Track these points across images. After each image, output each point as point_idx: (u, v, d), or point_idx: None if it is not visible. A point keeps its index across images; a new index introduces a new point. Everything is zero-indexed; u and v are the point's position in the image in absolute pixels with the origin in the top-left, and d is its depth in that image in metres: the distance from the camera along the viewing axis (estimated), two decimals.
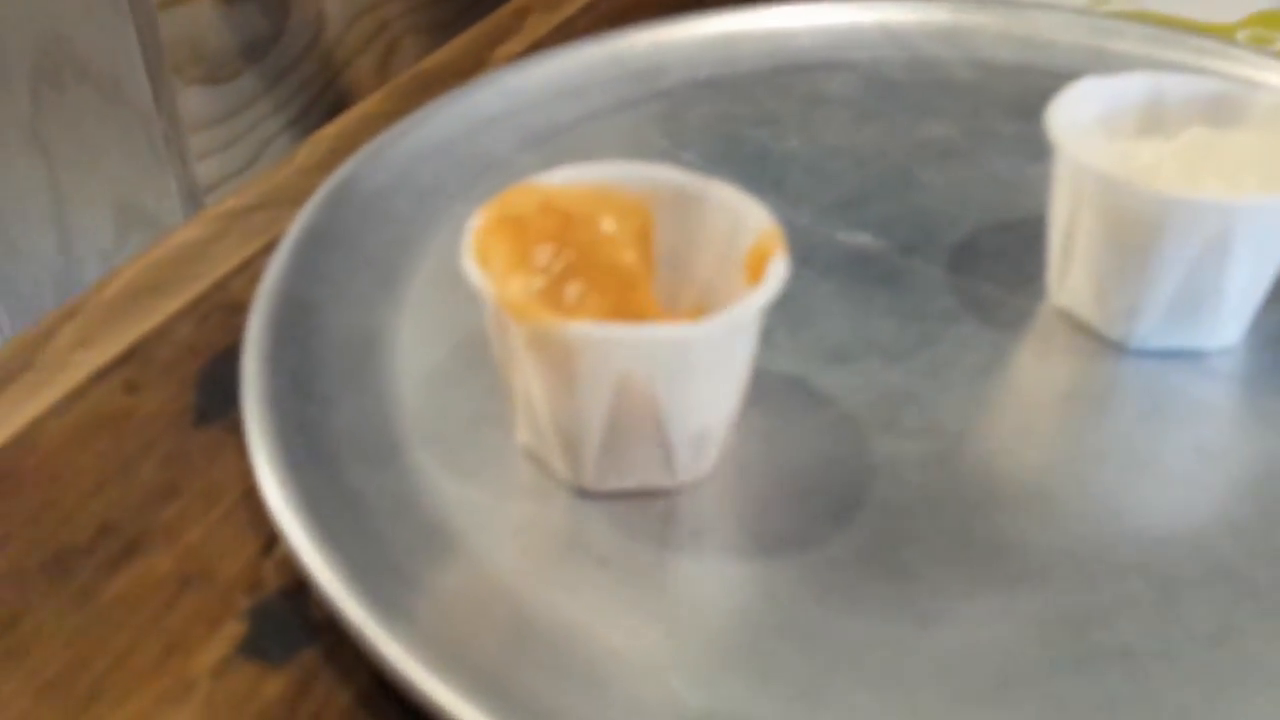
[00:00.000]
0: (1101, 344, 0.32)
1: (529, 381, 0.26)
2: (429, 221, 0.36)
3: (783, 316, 0.31)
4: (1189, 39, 0.44)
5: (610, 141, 0.40)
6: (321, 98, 0.60)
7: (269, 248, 0.36)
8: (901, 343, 0.32)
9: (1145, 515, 0.27)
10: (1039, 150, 0.33)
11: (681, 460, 0.27)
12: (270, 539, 0.27)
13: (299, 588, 0.26)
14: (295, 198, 0.38)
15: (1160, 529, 0.27)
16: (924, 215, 0.37)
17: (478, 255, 0.26)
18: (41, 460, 0.29)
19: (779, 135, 0.41)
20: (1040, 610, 0.25)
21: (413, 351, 0.31)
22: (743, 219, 0.27)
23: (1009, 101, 0.42)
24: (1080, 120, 0.32)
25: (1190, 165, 0.32)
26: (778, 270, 0.25)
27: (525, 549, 0.26)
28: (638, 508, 0.27)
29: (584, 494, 0.27)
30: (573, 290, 0.28)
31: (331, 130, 0.42)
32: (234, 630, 0.25)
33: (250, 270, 0.35)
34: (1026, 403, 0.31)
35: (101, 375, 0.32)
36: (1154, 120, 0.33)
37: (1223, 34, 0.47)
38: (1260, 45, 0.47)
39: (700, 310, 0.28)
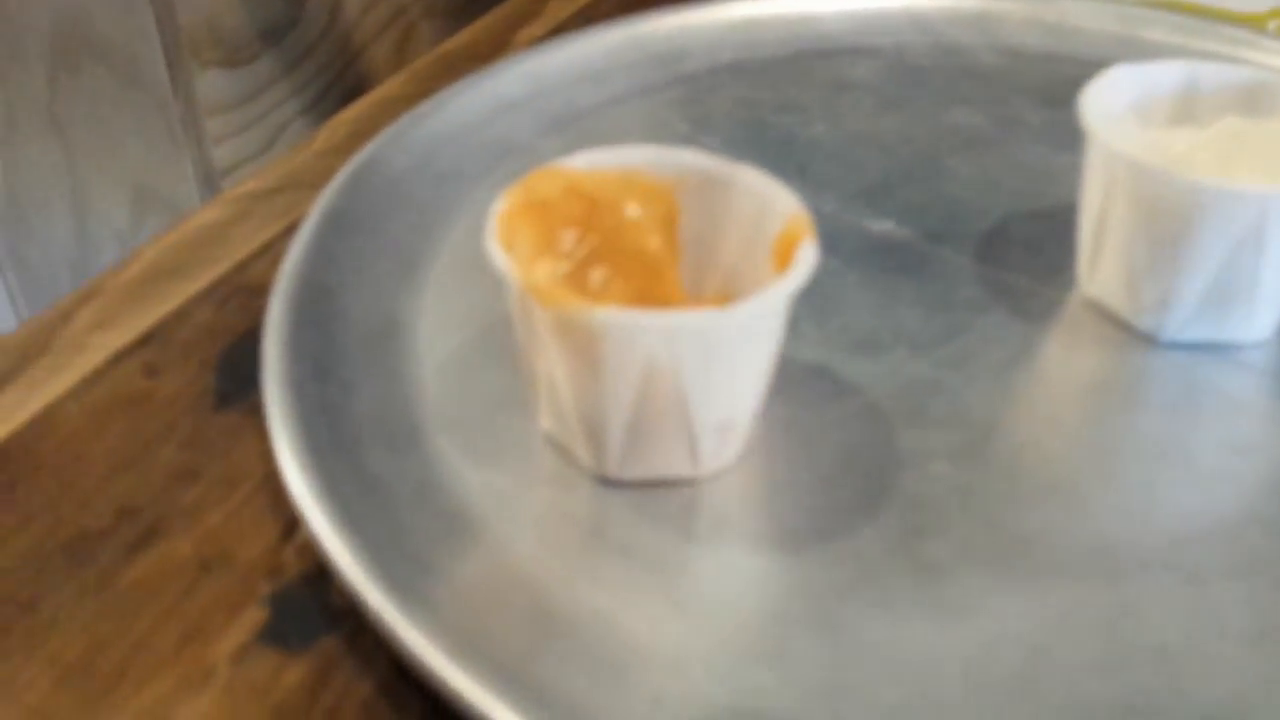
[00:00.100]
0: (1132, 336, 0.31)
1: (553, 367, 0.25)
2: (450, 205, 0.36)
3: (808, 305, 0.31)
4: (1220, 28, 0.43)
5: (632, 126, 0.40)
6: (338, 81, 0.59)
7: (289, 231, 0.36)
8: (928, 332, 0.32)
9: (1175, 510, 0.27)
10: (1068, 138, 0.32)
11: (706, 449, 0.26)
12: (291, 523, 0.27)
13: (320, 574, 0.25)
14: (315, 181, 0.38)
15: (1191, 524, 0.27)
16: (951, 203, 0.36)
17: (502, 239, 0.26)
18: (60, 444, 0.29)
19: (803, 121, 0.40)
20: (1068, 605, 0.25)
21: (434, 336, 0.31)
22: (770, 204, 0.27)
23: (1037, 89, 0.42)
24: (1113, 108, 0.31)
25: (1224, 155, 0.31)
26: (807, 256, 0.25)
27: (546, 537, 0.26)
28: (661, 497, 0.27)
29: (607, 482, 0.27)
30: (597, 276, 0.28)
31: (351, 113, 0.42)
32: (254, 616, 0.25)
33: (270, 253, 0.35)
34: (1055, 395, 0.30)
35: (120, 358, 0.31)
36: (1187, 109, 0.32)
37: (1253, 23, 0.47)
38: None
39: (725, 296, 0.28)
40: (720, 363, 0.25)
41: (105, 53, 0.52)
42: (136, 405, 0.30)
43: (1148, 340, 0.31)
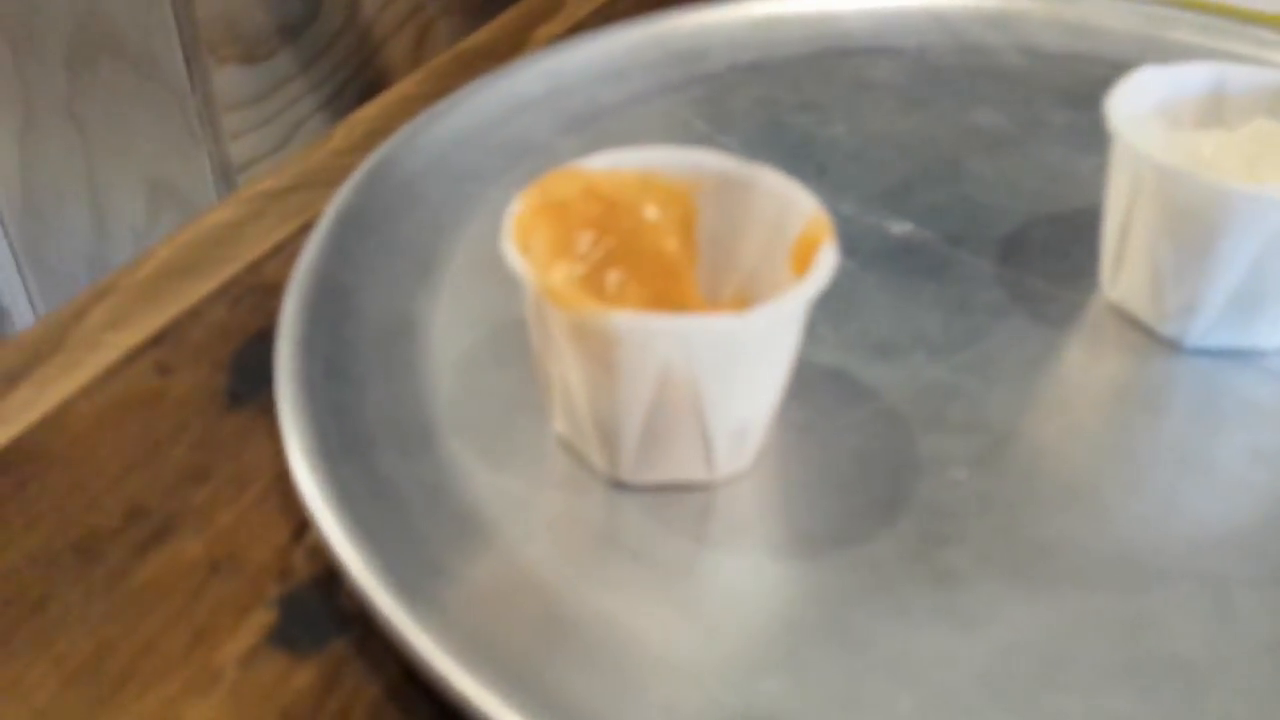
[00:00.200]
0: (1155, 341, 0.31)
1: (567, 370, 0.25)
2: (466, 206, 0.36)
3: (826, 308, 0.31)
4: (1247, 29, 0.43)
5: (650, 126, 0.40)
6: (356, 78, 0.59)
7: (303, 230, 0.36)
8: (948, 336, 0.31)
9: (1198, 518, 0.27)
10: (1091, 140, 0.32)
11: (720, 454, 0.26)
12: (301, 525, 0.26)
13: (329, 576, 0.25)
14: (330, 180, 0.38)
15: (1213, 532, 0.26)
16: (972, 205, 0.36)
17: (519, 241, 0.25)
18: (71, 442, 0.29)
19: (823, 121, 0.40)
20: (1088, 614, 0.24)
21: (448, 337, 0.31)
22: (790, 206, 0.27)
23: (1060, 90, 0.41)
24: (1139, 110, 0.31)
25: (1252, 158, 0.31)
26: (827, 259, 0.25)
27: (559, 541, 0.26)
28: (675, 502, 0.26)
29: (620, 486, 0.27)
30: (613, 278, 0.27)
31: (368, 112, 0.42)
32: (263, 619, 0.25)
33: (284, 252, 0.35)
34: (1076, 401, 0.30)
35: (133, 356, 0.31)
36: (1215, 111, 0.32)
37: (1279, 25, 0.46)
38: None
39: (743, 299, 0.28)
40: (737, 368, 0.24)
41: (123, 48, 0.52)
42: (148, 404, 0.30)
43: (1171, 346, 0.31)
